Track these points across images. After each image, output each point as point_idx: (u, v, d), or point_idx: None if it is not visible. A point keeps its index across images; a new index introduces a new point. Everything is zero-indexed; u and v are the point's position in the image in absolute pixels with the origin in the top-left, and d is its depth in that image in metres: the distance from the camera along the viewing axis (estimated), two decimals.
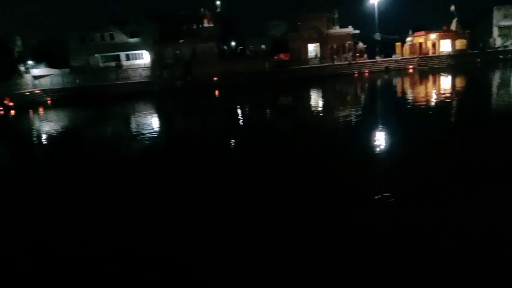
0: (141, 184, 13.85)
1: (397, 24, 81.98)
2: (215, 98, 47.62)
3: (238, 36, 76.41)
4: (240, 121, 28.85)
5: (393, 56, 63.36)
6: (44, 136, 28.54)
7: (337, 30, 65.96)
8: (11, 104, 47.23)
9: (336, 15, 67.20)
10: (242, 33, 77.09)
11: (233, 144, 20.47)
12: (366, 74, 57.64)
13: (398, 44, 66.78)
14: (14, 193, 14.28)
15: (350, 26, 65.47)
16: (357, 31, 65.36)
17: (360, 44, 67.20)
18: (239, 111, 34.75)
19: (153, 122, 30.87)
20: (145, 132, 25.59)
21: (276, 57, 64.77)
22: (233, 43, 74.79)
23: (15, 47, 64.37)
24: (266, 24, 72.17)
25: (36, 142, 27.34)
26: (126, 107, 43.87)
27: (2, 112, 44.71)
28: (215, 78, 58.05)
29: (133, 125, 30.58)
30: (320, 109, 32.37)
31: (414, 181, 11.60)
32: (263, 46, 68.05)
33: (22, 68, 60.29)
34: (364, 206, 10.14)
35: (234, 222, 9.88)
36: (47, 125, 34.06)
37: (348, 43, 64.73)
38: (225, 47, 72.79)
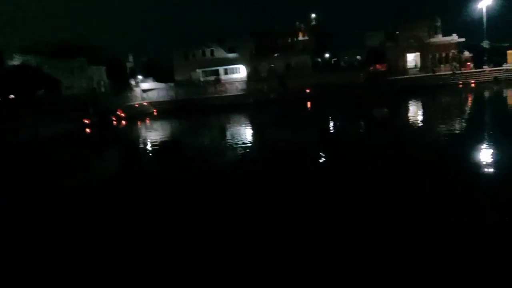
0: (235, 194, 14.54)
1: (509, 31, 74.53)
2: (307, 109, 47.81)
3: (333, 47, 76.06)
4: (330, 133, 28.65)
5: (503, 65, 57.76)
6: (150, 144, 31.26)
7: (439, 38, 62.28)
8: (123, 115, 52.40)
9: (439, 23, 63.49)
10: (337, 45, 76.64)
11: (323, 157, 20.37)
12: (473, 84, 53.36)
13: (510, 52, 60.72)
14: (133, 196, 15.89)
15: (454, 34, 61.36)
16: (462, 39, 60.98)
17: (466, 53, 62.53)
18: (330, 123, 34.44)
19: (246, 133, 32.10)
20: (237, 142, 26.72)
21: (371, 67, 63.07)
22: (327, 55, 74.57)
23: (128, 63, 71.58)
24: (362, 35, 70.78)
25: (143, 148, 30.07)
26: (222, 118, 46.13)
27: (115, 122, 49.83)
28: (308, 90, 58.32)
29: (226, 135, 32.06)
30: (418, 122, 30.51)
31: None
32: (358, 57, 66.84)
33: (132, 83, 66.73)
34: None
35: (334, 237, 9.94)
36: (153, 134, 37.37)
37: (452, 52, 60.75)
38: (319, 59, 72.84)
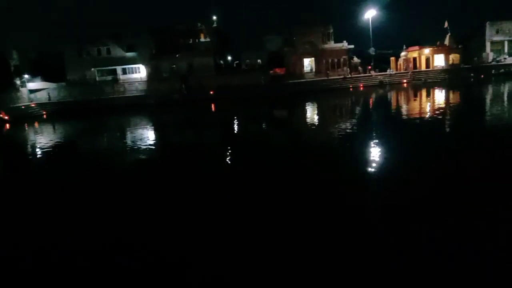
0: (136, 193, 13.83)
1: (392, 39, 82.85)
2: (210, 111, 47.76)
3: (234, 50, 77.22)
4: (234, 134, 28.94)
5: (388, 70, 63.94)
6: (38, 149, 28.36)
7: (331, 45, 66.65)
8: (6, 117, 47.12)
9: (331, 30, 67.94)
10: (238, 47, 77.96)
11: (227, 156, 20.45)
12: (361, 88, 58.11)
13: (392, 58, 67.53)
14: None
15: (344, 41, 66.23)
16: (351, 46, 66.11)
17: (355, 59, 67.95)
18: (234, 124, 34.77)
19: (146, 135, 30.85)
20: (137, 144, 25.60)
21: (272, 71, 65.27)
22: (229, 57, 75.45)
23: (11, 60, 64.52)
24: (262, 39, 72.97)
25: (30, 155, 27.23)
26: (121, 120, 43.88)
27: None
28: (211, 92, 58.30)
29: (125, 138, 30.58)
30: (314, 122, 32.58)
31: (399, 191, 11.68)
32: (259, 61, 68.64)
33: (18, 82, 60.36)
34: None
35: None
36: (41, 138, 33.87)
37: (343, 57, 65.41)
38: (221, 61, 73.40)
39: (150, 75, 64.90)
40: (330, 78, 62.14)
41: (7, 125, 44.92)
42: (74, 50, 64.60)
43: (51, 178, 18.13)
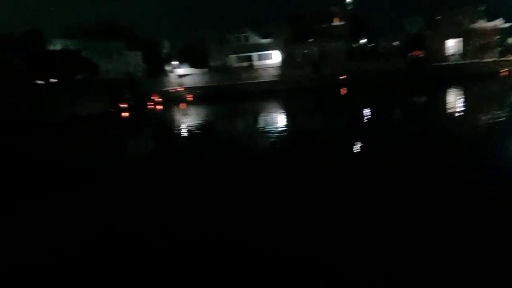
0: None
1: None
2: (342, 97, 46.97)
3: (370, 33, 74.14)
4: (363, 122, 27.90)
5: None
6: (186, 128, 31.55)
7: (482, 24, 59.47)
8: (158, 99, 53.27)
9: (483, 7, 60.53)
10: (374, 30, 74.69)
11: (355, 145, 19.91)
12: None
13: None
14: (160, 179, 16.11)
15: (500, 19, 58.44)
16: (508, 24, 58.02)
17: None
18: (363, 112, 33.43)
19: (278, 119, 31.92)
20: (275, 128, 26.59)
21: (410, 54, 61.11)
22: (363, 41, 72.77)
23: (163, 49, 72.46)
24: (401, 20, 68.57)
25: (179, 132, 30.47)
26: (255, 104, 45.99)
27: (151, 106, 50.76)
28: (344, 77, 57.20)
29: (259, 122, 31.88)
30: (457, 111, 29.38)
31: None
32: (396, 43, 64.86)
33: (168, 68, 67.57)
34: None
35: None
36: (189, 119, 37.77)
37: (496, 38, 57.96)
38: (355, 45, 71.21)
39: (283, 61, 66.44)
40: (478, 61, 55.72)
41: (159, 106, 50.75)
42: (216, 38, 69.53)
43: (193, 155, 19.97)
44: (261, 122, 30.95)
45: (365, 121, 28.12)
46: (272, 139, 22.34)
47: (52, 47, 55.61)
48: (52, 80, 44.63)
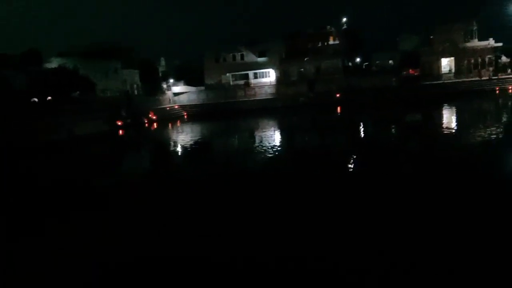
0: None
1: None
2: (337, 114, 47.32)
3: (364, 51, 75.34)
4: (360, 138, 28.17)
5: None
6: (179, 145, 31.66)
7: (475, 43, 60.59)
8: (154, 117, 53.37)
9: (475, 27, 61.81)
10: (368, 49, 75.92)
11: (351, 162, 20.09)
12: (510, 90, 51.60)
13: None
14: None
15: (491, 39, 59.59)
16: (499, 44, 59.15)
17: (503, 58, 60.67)
18: (360, 128, 33.82)
19: (274, 136, 32.11)
20: (265, 145, 26.71)
21: (404, 72, 61.93)
22: (358, 59, 73.82)
23: (159, 67, 72.99)
24: (394, 39, 69.83)
25: (174, 150, 30.53)
26: (251, 121, 46.20)
27: (147, 124, 50.80)
28: (337, 95, 57.77)
29: (254, 138, 32.04)
30: (452, 127, 29.60)
31: None
32: (390, 61, 65.82)
33: (164, 86, 67.95)
34: None
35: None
36: (183, 136, 37.87)
37: (487, 57, 59.01)
38: (350, 63, 72.17)
39: (278, 79, 67.10)
40: (471, 79, 56.54)
41: (155, 124, 50.81)
42: (212, 56, 70.30)
43: (189, 171, 20.04)
44: (256, 140, 31.07)
45: (361, 137, 28.39)
46: (268, 156, 22.44)
47: (50, 66, 55.85)
48: (49, 98, 44.74)
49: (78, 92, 48.64)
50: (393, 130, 31.36)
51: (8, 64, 48.18)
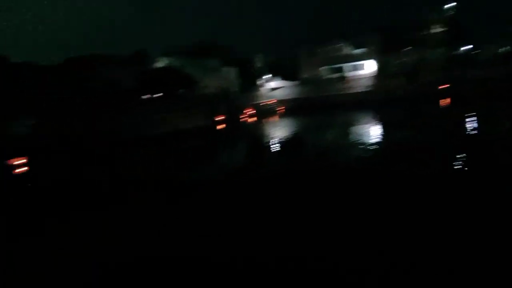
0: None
1: None
2: (439, 108, 44.50)
3: (473, 39, 69.41)
4: (468, 136, 26.25)
5: None
6: (282, 140, 32.66)
7: None
8: (251, 112, 55.37)
9: None
10: (479, 36, 69.77)
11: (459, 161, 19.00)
12: None
13: None
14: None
15: None
16: None
17: None
18: (467, 125, 31.30)
19: (373, 131, 31.39)
20: (364, 140, 26.36)
21: None
22: (465, 48, 68.34)
23: (256, 63, 75.28)
24: (507, 28, 63.35)
25: (272, 143, 31.56)
26: (348, 115, 45.44)
27: (244, 119, 52.96)
28: (441, 87, 54.09)
29: (353, 134, 31.59)
30: None
31: None
32: (502, 49, 59.93)
33: (261, 82, 70.00)
34: None
35: None
36: (279, 130, 39.00)
37: None
38: (456, 53, 67.09)
39: (375, 71, 65.00)
40: None
41: (253, 119, 52.74)
42: (308, 51, 70.56)
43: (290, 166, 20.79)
44: (355, 134, 30.69)
45: (469, 135, 26.53)
46: (369, 153, 22.21)
47: (157, 65, 60.94)
48: (157, 95, 49.00)
49: (183, 89, 52.48)
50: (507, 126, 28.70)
51: (117, 63, 53.51)
